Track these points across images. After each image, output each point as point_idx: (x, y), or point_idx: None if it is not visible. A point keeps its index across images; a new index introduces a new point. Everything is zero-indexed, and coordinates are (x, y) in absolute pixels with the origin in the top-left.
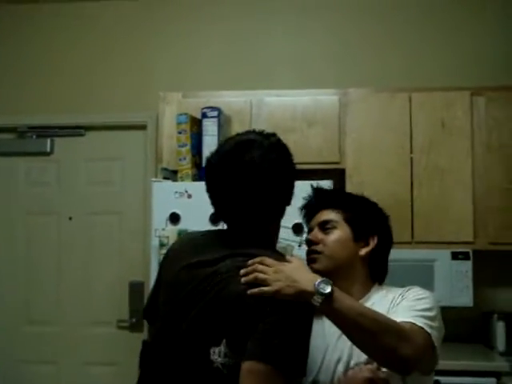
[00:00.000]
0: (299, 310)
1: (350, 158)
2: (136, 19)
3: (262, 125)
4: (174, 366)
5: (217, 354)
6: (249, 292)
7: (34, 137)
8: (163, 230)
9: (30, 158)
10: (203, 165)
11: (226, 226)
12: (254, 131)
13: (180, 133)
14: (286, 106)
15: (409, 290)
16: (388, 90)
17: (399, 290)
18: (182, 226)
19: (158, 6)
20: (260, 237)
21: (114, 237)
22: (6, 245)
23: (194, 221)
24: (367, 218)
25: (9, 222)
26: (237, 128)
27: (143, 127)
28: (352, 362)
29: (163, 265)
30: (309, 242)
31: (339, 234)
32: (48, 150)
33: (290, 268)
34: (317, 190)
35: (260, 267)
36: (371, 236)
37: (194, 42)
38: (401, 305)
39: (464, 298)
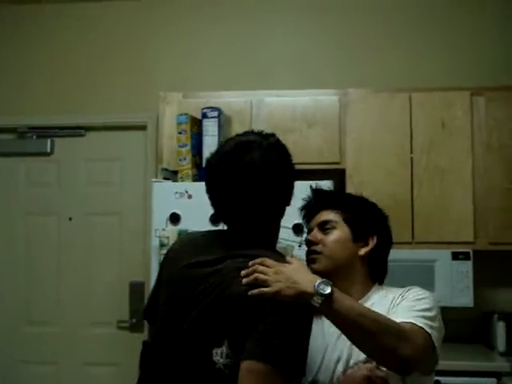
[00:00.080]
0: (299, 310)
1: (350, 158)
2: (136, 19)
3: (261, 125)
4: (174, 367)
5: (219, 355)
6: (249, 293)
7: (34, 137)
8: (163, 230)
9: (30, 159)
10: (203, 165)
11: (226, 227)
12: (253, 132)
13: (180, 133)
14: (285, 106)
15: (409, 290)
16: (388, 90)
17: (399, 291)
18: (182, 226)
19: (159, 6)
20: (260, 237)
21: (114, 237)
22: (5, 245)
23: (194, 221)
24: (366, 219)
25: (9, 222)
26: (237, 128)
27: (143, 127)
28: (351, 362)
29: (163, 265)
30: (308, 243)
31: (339, 234)
32: (48, 150)
33: (290, 269)
34: (316, 191)
35: (260, 268)
36: (370, 236)
37: (194, 42)
38: (401, 305)
39: (464, 298)
